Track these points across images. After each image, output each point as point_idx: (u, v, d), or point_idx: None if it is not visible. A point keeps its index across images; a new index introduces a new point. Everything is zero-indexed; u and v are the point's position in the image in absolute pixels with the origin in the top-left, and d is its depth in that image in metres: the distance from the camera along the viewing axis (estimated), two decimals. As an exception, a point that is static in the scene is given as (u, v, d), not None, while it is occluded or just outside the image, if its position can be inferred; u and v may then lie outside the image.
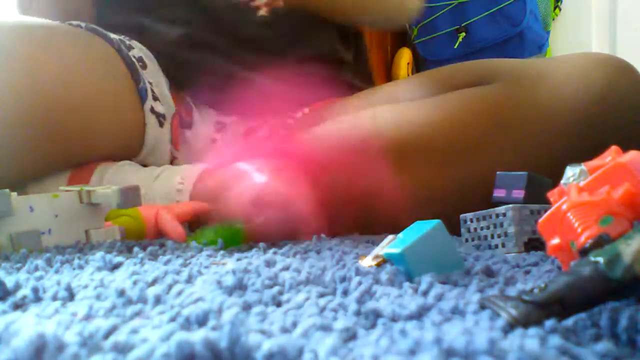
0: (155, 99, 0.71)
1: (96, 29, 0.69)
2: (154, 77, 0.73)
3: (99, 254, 0.37)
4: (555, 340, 0.19)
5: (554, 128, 0.52)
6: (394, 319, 0.24)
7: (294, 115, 0.76)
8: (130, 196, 0.47)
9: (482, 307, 0.24)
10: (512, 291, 0.28)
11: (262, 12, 0.74)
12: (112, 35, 0.70)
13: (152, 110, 0.70)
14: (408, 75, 1.65)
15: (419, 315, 0.25)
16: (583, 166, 0.32)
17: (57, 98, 0.58)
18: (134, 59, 0.70)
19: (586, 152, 0.50)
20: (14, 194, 0.46)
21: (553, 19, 1.70)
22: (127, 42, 0.72)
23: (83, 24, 0.69)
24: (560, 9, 1.73)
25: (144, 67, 0.72)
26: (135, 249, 0.43)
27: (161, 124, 0.71)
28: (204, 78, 0.75)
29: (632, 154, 0.30)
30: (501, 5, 1.53)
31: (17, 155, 0.57)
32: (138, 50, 0.73)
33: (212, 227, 0.49)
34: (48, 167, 0.61)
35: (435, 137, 0.55)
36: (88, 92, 0.61)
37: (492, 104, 0.55)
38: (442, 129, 0.55)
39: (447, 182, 0.54)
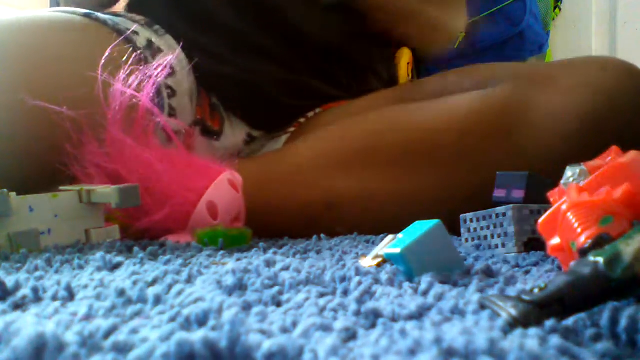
0: (171, 114, 0.66)
1: (121, 30, 0.64)
2: (179, 85, 0.68)
3: (99, 254, 0.37)
4: (555, 340, 0.19)
5: (561, 132, 0.51)
6: (394, 319, 0.24)
7: (306, 115, 0.77)
8: (130, 195, 0.47)
9: (482, 307, 0.24)
10: (512, 291, 0.28)
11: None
12: (138, 39, 0.65)
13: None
14: (408, 75, 1.64)
15: (419, 315, 0.25)
16: (583, 166, 0.32)
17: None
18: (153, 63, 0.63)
19: (594, 156, 0.50)
20: (13, 194, 0.46)
21: (553, 19, 1.70)
22: (157, 45, 0.68)
23: (111, 21, 0.64)
24: (560, 9, 1.73)
25: (172, 73, 0.67)
26: (135, 249, 0.43)
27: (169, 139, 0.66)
28: (243, 92, 0.73)
29: (632, 154, 0.30)
30: (501, 5, 1.53)
31: (21, 165, 0.55)
32: (167, 52, 0.67)
33: (213, 228, 0.49)
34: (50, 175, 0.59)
35: (441, 139, 0.56)
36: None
37: (498, 107, 0.55)
38: (447, 131, 0.56)
39: (453, 184, 0.55)
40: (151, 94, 0.54)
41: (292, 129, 0.76)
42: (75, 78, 0.55)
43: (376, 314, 0.25)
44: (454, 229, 0.47)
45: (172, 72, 0.67)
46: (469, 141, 0.54)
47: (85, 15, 0.63)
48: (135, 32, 0.66)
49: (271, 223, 0.59)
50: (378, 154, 0.58)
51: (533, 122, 0.53)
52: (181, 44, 0.66)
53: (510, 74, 0.58)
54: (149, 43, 0.67)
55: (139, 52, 0.64)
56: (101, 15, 0.65)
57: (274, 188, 0.60)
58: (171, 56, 0.56)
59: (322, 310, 0.25)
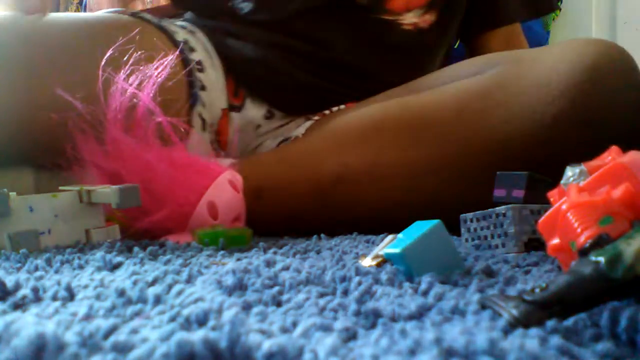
0: (204, 105, 0.72)
1: (164, 28, 0.71)
2: (208, 78, 0.74)
3: (99, 254, 0.37)
4: (555, 340, 0.19)
5: (546, 99, 0.54)
6: (394, 319, 0.24)
7: (331, 109, 0.78)
8: (130, 195, 0.47)
9: (483, 307, 0.24)
10: (512, 291, 0.28)
11: (407, 26, 0.78)
12: (178, 35, 0.72)
13: (200, 115, 0.72)
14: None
15: (419, 315, 0.25)
16: (583, 166, 0.32)
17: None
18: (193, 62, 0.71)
19: (579, 123, 0.53)
20: (13, 194, 0.46)
21: (553, 19, 1.70)
22: (191, 45, 0.74)
23: (155, 19, 0.71)
24: (560, 9, 1.73)
25: (202, 69, 0.73)
26: (135, 249, 0.43)
27: (204, 128, 0.72)
28: (270, 80, 0.77)
29: (632, 154, 0.30)
30: (501, 5, 1.53)
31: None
32: (201, 52, 0.75)
33: (213, 228, 0.49)
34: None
35: (442, 114, 0.59)
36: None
37: (491, 84, 0.58)
38: (447, 108, 0.59)
39: (452, 151, 0.58)
40: (152, 93, 0.54)
41: (315, 117, 0.77)
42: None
43: (376, 314, 0.24)
44: (454, 197, 0.51)
45: (202, 69, 0.74)
46: (466, 115, 0.58)
47: (157, 26, 0.71)
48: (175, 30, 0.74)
49: (284, 201, 0.61)
50: (384, 129, 0.61)
51: (523, 92, 0.56)
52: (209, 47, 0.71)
53: (502, 58, 0.61)
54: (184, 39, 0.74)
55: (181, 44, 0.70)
56: (146, 15, 0.72)
57: (286, 167, 0.63)
58: (171, 56, 0.57)
59: (322, 310, 0.25)
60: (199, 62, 0.74)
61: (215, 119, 0.75)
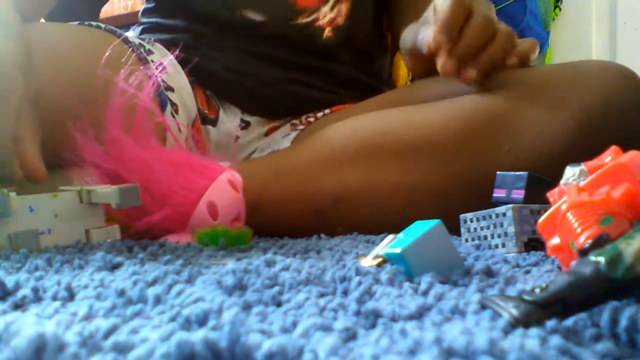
0: (173, 104, 0.72)
1: (116, 31, 0.71)
2: (174, 81, 0.73)
3: (99, 254, 0.37)
4: (555, 340, 0.19)
5: (556, 132, 0.53)
6: (394, 319, 0.24)
7: (315, 115, 0.78)
8: (130, 195, 0.47)
9: (483, 307, 0.24)
10: (512, 291, 0.28)
11: (327, 32, 0.78)
12: (132, 38, 0.72)
13: (172, 114, 0.71)
14: (408, 75, 1.64)
15: (419, 315, 0.25)
16: (583, 166, 0.32)
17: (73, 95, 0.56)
18: (152, 63, 0.71)
19: (588, 156, 0.51)
20: (13, 194, 0.46)
21: (553, 19, 1.70)
22: (147, 47, 0.74)
23: (102, 25, 0.71)
24: (560, 9, 1.73)
25: (166, 72, 0.73)
26: (135, 249, 0.43)
27: (179, 129, 0.72)
28: (233, 80, 0.77)
29: (632, 154, 0.30)
30: (501, 5, 1.53)
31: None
32: (158, 54, 0.74)
33: (213, 228, 0.49)
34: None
35: (443, 137, 0.57)
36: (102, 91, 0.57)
37: (497, 110, 0.56)
38: (448, 131, 0.57)
39: (450, 179, 0.56)
40: (151, 93, 0.54)
41: (300, 126, 0.77)
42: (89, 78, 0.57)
43: (376, 314, 0.25)
44: (453, 220, 0.48)
45: (166, 71, 0.72)
46: (472, 141, 0.56)
47: (107, 29, 0.72)
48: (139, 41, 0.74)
49: (281, 217, 0.60)
50: (384, 149, 0.59)
51: (530, 124, 0.54)
52: (179, 48, 0.69)
53: (510, 76, 0.59)
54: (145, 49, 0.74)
55: (138, 52, 0.70)
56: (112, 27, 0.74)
57: (283, 182, 0.62)
58: (171, 56, 0.57)
59: (322, 310, 0.25)
60: (160, 64, 0.73)
61: (191, 118, 0.75)
